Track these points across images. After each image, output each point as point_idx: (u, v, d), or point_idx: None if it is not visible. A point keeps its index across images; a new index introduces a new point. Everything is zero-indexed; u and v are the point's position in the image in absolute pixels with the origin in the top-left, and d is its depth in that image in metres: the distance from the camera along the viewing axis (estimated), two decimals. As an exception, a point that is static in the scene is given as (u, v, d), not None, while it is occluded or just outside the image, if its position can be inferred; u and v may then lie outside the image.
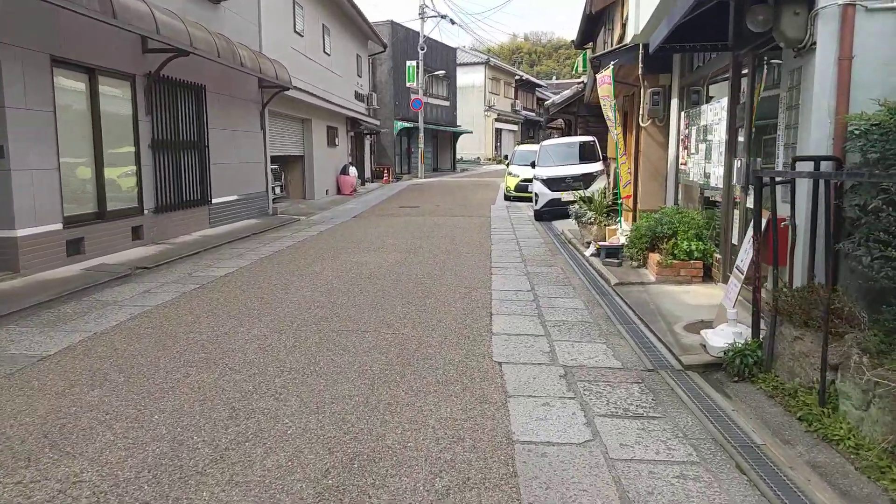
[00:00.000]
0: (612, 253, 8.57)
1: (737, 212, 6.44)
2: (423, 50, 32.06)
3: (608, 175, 14.66)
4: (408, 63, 31.20)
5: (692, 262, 7.13)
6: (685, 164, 8.97)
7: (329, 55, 20.88)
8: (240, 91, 13.72)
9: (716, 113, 7.35)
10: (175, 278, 7.82)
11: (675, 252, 7.20)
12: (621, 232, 9.73)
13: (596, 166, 14.50)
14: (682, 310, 6.00)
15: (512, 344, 5.09)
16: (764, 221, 4.86)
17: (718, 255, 6.97)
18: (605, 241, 9.06)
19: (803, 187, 4.50)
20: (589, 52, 25.11)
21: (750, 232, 4.99)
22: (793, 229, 4.60)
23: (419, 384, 4.16)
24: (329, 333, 5.33)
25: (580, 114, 18.84)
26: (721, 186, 7.01)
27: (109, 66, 9.16)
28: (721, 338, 4.65)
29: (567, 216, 13.67)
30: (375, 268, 8.45)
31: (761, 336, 4.40)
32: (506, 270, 8.31)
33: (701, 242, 7.24)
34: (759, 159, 5.99)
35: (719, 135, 7.19)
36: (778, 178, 4.18)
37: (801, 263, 4.51)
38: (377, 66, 30.61)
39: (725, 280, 6.71)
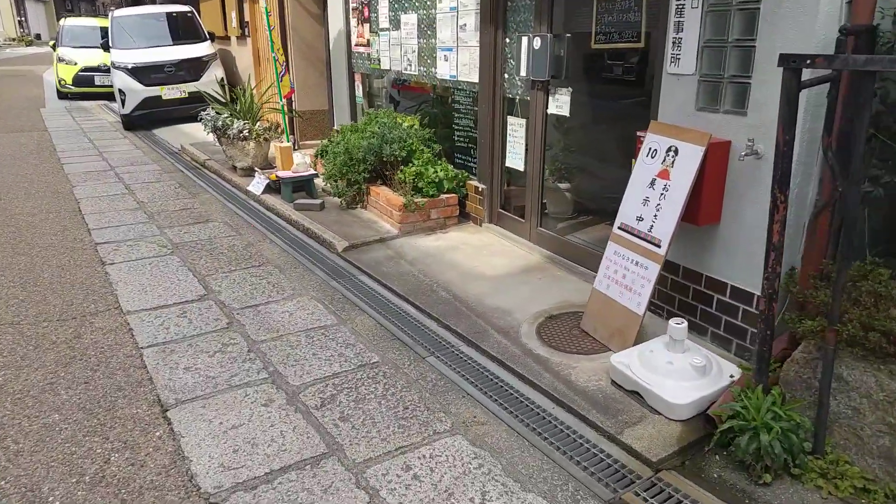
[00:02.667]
0: (298, 187, 5.59)
1: (517, 120, 4.25)
2: None
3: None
4: None
5: (444, 196, 4.79)
6: (367, 45, 6.32)
7: None
8: None
9: (445, -37, 4.81)
10: None
11: (420, 185, 4.72)
12: (297, 150, 6.67)
13: (203, 47, 10.47)
14: (489, 291, 3.67)
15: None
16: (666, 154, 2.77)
17: (478, 184, 4.78)
18: (281, 168, 5.92)
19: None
20: None
21: (652, 171, 2.83)
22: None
23: None
24: None
25: (155, -26, 13.75)
26: (470, 80, 4.68)
27: None
28: (675, 380, 2.50)
29: (172, 120, 9.69)
30: None
31: (779, 377, 2.39)
32: (128, 247, 4.53)
33: (450, 167, 4.91)
34: (567, 36, 3.79)
35: (456, -2, 4.73)
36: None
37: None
38: None
39: (494, 219, 4.62)
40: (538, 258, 4.13)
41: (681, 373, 2.51)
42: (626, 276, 2.93)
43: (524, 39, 3.95)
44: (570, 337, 3.12)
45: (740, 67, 2.62)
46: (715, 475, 2.24)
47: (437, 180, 4.74)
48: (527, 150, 4.24)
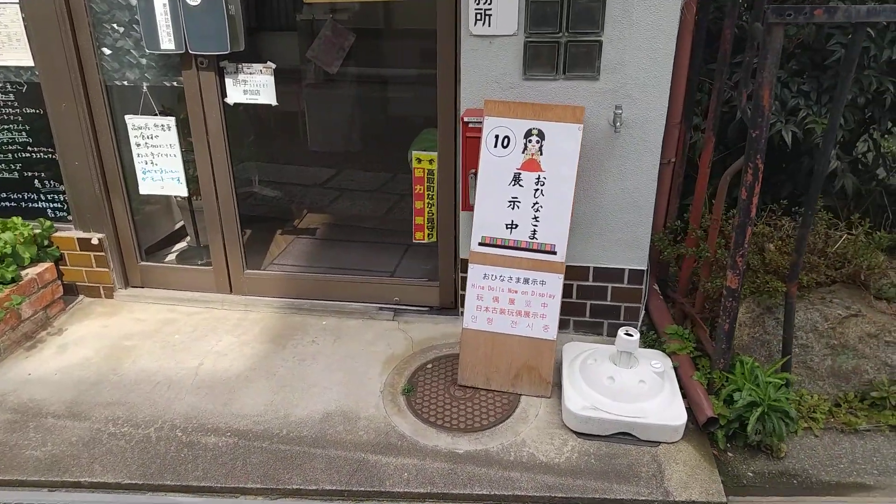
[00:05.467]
0: None
1: (155, 120, 2.62)
2: None
3: None
4: None
5: (33, 272, 2.68)
6: None
7: None
8: None
9: None
10: None
11: (-19, 269, 2.50)
12: None
13: None
14: (275, 397, 2.33)
15: None
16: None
17: (82, 234, 2.86)
18: None
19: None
20: None
21: (511, 164, 2.23)
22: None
23: None
24: None
25: None
26: (5, 63, 2.62)
27: None
28: (657, 399, 2.13)
29: None
30: None
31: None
32: None
33: (17, 220, 2.75)
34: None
35: None
36: None
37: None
38: None
39: (138, 281, 3.14)
40: (273, 315, 2.85)
41: (654, 388, 2.16)
42: (517, 301, 2.28)
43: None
44: (462, 404, 2.29)
45: (585, 23, 2.19)
46: (751, 474, 2.07)
47: (9, 252, 2.61)
48: (191, 163, 2.73)
